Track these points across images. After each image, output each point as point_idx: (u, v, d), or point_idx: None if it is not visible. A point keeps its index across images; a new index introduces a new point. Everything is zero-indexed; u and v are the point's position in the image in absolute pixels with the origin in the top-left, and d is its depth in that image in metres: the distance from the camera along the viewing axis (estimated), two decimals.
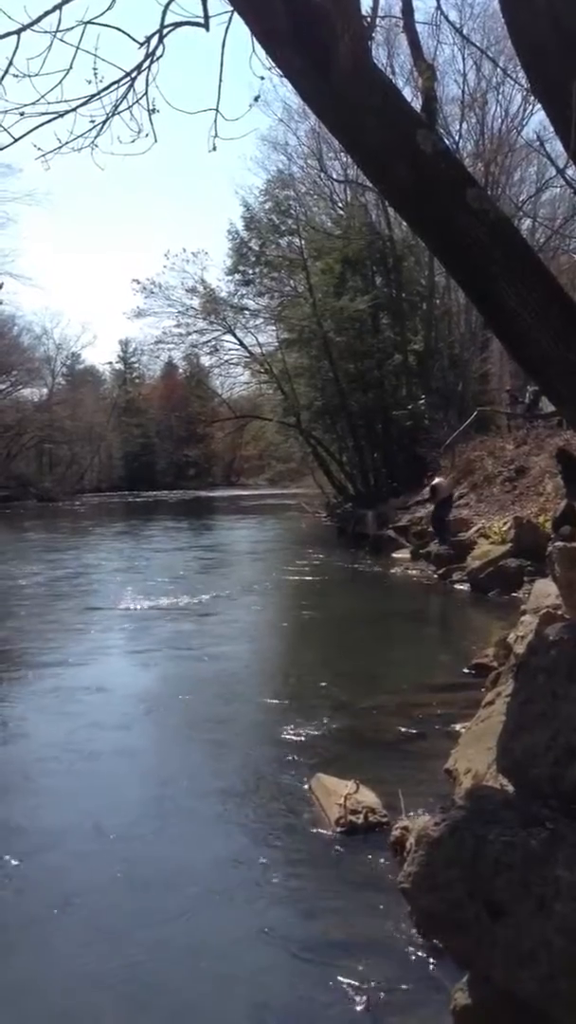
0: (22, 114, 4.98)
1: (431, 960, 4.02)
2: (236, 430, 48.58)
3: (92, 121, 5.24)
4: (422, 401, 30.70)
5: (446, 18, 7.55)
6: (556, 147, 4.83)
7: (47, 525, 38.04)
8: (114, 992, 3.94)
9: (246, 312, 37.65)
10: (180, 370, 70.41)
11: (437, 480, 19.91)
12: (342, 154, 29.83)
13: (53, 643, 11.52)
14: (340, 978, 3.97)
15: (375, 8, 4.65)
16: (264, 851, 5.39)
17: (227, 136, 5.44)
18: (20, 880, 4.99)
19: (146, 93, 5.21)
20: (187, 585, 16.75)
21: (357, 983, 3.92)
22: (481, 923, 2.83)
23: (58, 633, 12.22)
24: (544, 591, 7.64)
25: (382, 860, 5.09)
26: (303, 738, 7.41)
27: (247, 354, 38.66)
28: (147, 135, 5.43)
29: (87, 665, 10.36)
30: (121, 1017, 3.80)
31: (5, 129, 5.01)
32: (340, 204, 36.32)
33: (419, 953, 4.10)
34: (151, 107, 5.29)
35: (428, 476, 20.60)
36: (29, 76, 4.91)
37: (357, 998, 3.83)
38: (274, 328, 37.83)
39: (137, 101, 5.22)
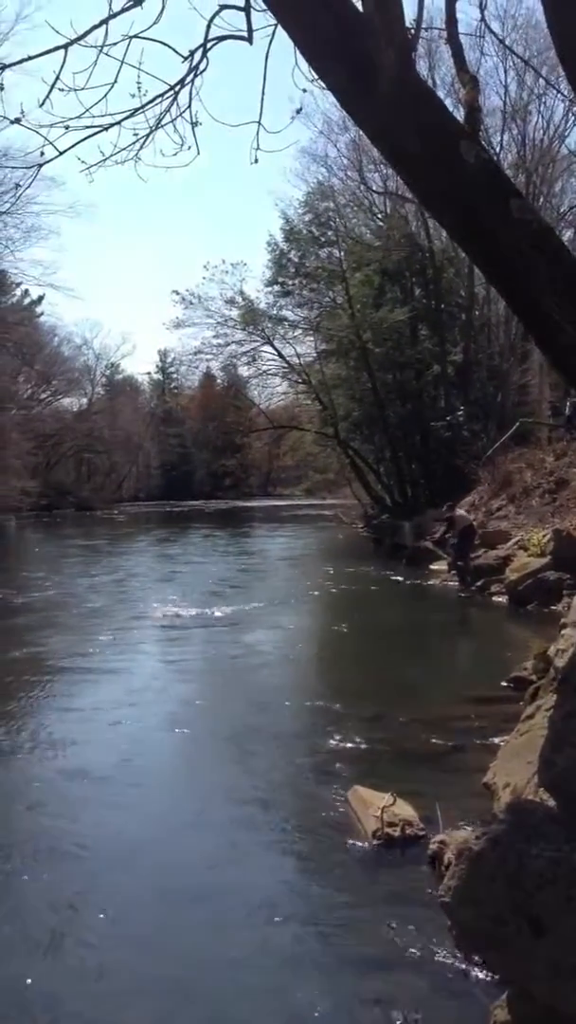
0: (67, 128, 5.04)
1: (469, 976, 3.97)
2: (273, 440, 48.59)
3: (135, 134, 5.29)
4: (461, 412, 30.53)
5: (489, 29, 7.51)
6: None
7: (87, 533, 38.37)
8: (147, 1002, 3.95)
9: (285, 323, 37.73)
10: (218, 380, 70.77)
11: (456, 512, 19.48)
12: (382, 166, 29.91)
13: (94, 652, 11.62)
14: (377, 993, 3.95)
15: (419, 20, 4.65)
16: (300, 863, 5.38)
17: (269, 149, 5.48)
18: (57, 888, 5.01)
19: (189, 106, 5.24)
20: (225, 595, 16.79)
21: (394, 998, 3.89)
22: (523, 938, 2.80)
23: (99, 642, 12.31)
24: None
25: (419, 874, 5.05)
26: (340, 749, 7.38)
27: (285, 365, 38.72)
28: (189, 148, 5.47)
29: (127, 674, 10.44)
30: None
31: (51, 143, 5.07)
32: (380, 216, 36.33)
33: (457, 968, 4.05)
34: (194, 120, 5.33)
35: (449, 506, 20.15)
36: (75, 90, 4.96)
37: (394, 1013, 3.79)
38: (312, 339, 37.91)
39: (180, 114, 5.26)
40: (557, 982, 2.71)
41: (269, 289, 36.95)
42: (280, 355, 38.40)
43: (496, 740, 7.05)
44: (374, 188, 34.91)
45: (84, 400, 74.43)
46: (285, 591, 18.01)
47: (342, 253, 34.39)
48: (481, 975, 3.87)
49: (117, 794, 6.54)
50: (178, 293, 37.38)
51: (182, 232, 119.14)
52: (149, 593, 17.39)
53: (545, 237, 3.82)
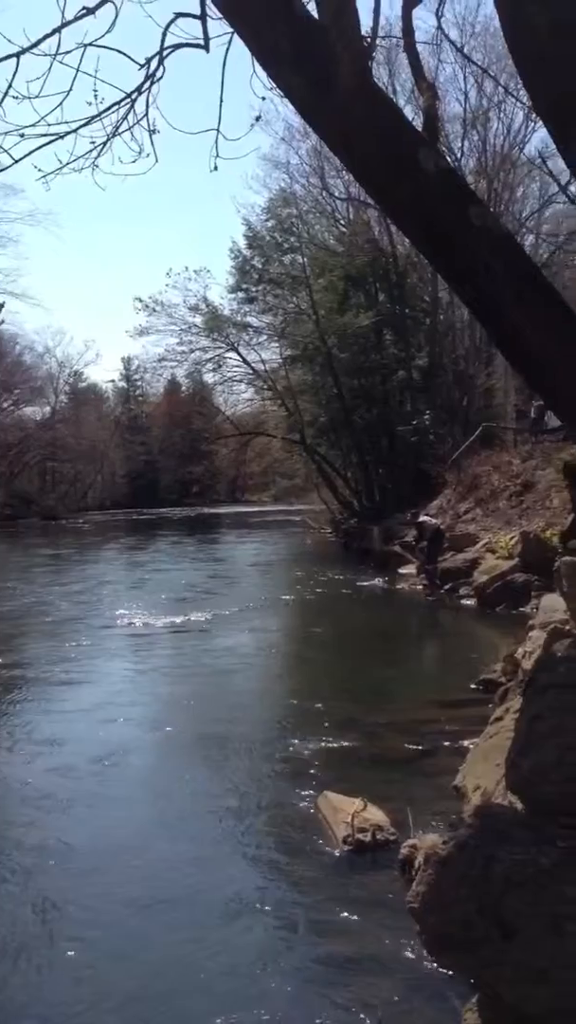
0: (22, 136, 5.00)
1: (440, 980, 3.97)
2: (240, 447, 48.54)
3: (92, 142, 5.27)
4: (427, 416, 30.72)
5: (447, 37, 7.56)
6: (558, 164, 4.86)
7: (53, 543, 38.05)
8: (119, 1011, 3.92)
9: (249, 329, 37.78)
10: (183, 387, 70.56)
11: (422, 518, 19.47)
12: (344, 172, 29.98)
13: (60, 663, 11.51)
14: (348, 999, 3.94)
15: (375, 28, 4.67)
16: (271, 870, 5.36)
17: (228, 156, 5.48)
18: (27, 898, 4.96)
19: (147, 114, 5.23)
20: (192, 603, 16.72)
21: (365, 1004, 3.89)
22: (492, 942, 2.80)
23: (65, 653, 12.20)
24: (552, 606, 7.62)
25: (391, 879, 5.05)
26: (309, 756, 7.37)
27: (251, 371, 38.76)
28: (148, 155, 5.46)
29: (93, 684, 10.37)
30: None
31: (5, 151, 5.03)
32: (342, 222, 36.48)
33: (428, 973, 4.05)
34: (152, 128, 5.32)
35: (412, 513, 20.09)
36: (29, 98, 4.92)
37: (365, 1019, 3.79)
38: (277, 345, 37.91)
39: (138, 122, 5.25)
40: (526, 985, 2.72)
41: (233, 296, 37.07)
42: (245, 361, 38.44)
43: (466, 743, 7.08)
44: (336, 194, 35.09)
45: (47, 408, 73.61)
46: (255, 597, 17.98)
47: (305, 259, 34.45)
48: (452, 978, 3.87)
49: (82, 804, 6.48)
50: (141, 300, 37.28)
51: (144, 239, 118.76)
52: (120, 601, 17.27)
53: (505, 243, 3.85)
